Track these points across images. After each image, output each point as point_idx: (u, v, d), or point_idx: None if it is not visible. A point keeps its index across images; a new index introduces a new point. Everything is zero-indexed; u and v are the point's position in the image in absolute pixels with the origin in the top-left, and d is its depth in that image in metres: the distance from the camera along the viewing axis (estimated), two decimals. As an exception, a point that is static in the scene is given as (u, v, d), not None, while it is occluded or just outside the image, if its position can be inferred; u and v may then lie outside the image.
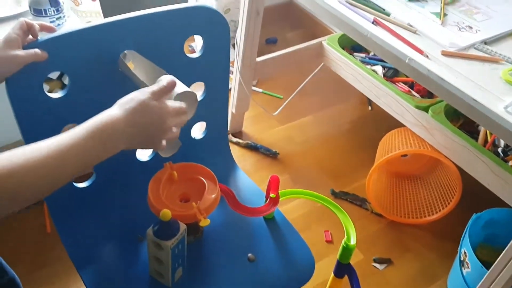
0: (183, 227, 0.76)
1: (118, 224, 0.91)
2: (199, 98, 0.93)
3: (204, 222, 0.79)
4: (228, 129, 1.82)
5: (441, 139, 1.43)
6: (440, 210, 1.54)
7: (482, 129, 1.46)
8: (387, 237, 1.54)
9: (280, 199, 0.96)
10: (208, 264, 0.89)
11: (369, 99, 2.09)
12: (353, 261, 1.44)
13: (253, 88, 2.07)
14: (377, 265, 1.46)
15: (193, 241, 0.91)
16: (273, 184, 0.93)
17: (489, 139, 1.43)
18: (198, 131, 1.03)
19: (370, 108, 2.06)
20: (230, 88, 1.73)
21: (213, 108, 1.00)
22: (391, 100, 1.54)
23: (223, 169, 1.05)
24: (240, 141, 1.79)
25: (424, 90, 1.60)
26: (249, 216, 0.90)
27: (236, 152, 1.79)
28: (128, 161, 0.93)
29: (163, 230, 0.74)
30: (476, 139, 1.46)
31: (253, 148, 1.78)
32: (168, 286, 0.82)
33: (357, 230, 1.55)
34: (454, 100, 0.95)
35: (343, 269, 0.93)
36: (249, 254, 0.91)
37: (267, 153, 1.77)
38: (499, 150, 1.38)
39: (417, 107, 1.46)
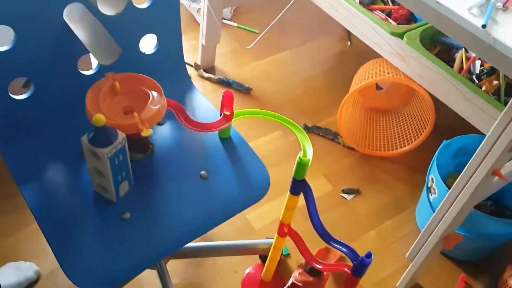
0: (121, 135, 0.72)
1: (60, 140, 0.87)
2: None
3: (146, 132, 0.75)
4: (200, 63, 1.76)
5: (416, 67, 1.38)
6: (412, 142, 1.51)
7: (458, 56, 1.41)
8: (358, 169, 1.52)
9: (234, 118, 0.92)
10: (158, 181, 0.86)
11: (349, 34, 2.02)
12: (321, 191, 1.46)
13: (228, 22, 1.99)
14: (345, 195, 1.44)
15: (143, 158, 0.87)
16: (227, 101, 0.88)
17: (465, 66, 1.38)
18: (148, 45, 0.97)
19: (349, 43, 1.98)
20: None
21: (162, 18, 0.93)
22: (368, 28, 1.47)
23: (179, 88, 1.00)
24: (212, 76, 1.73)
25: (401, 18, 1.53)
26: (200, 132, 0.86)
27: (208, 87, 1.73)
28: (70, 74, 0.87)
29: (98, 137, 0.69)
30: (452, 67, 1.41)
31: (225, 83, 1.72)
32: (113, 201, 0.79)
33: (329, 164, 1.55)
34: (419, 7, 0.89)
35: (298, 186, 0.90)
36: (202, 172, 0.88)
37: (240, 89, 1.71)
38: (474, 76, 1.34)
39: (392, 34, 1.40)
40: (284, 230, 1.02)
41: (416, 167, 1.53)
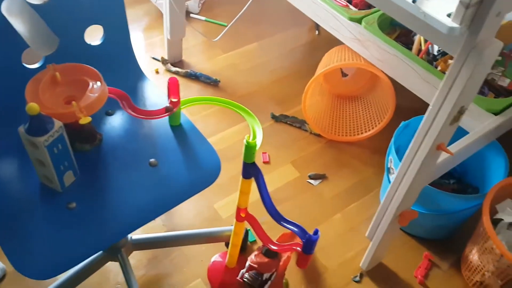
0: (58, 124, 0.73)
1: (4, 132, 0.87)
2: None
3: (84, 120, 0.76)
4: (167, 57, 1.76)
5: (375, 51, 1.40)
6: (376, 126, 1.53)
7: (416, 39, 1.43)
8: (324, 155, 1.54)
9: (183, 106, 0.93)
10: (106, 170, 0.87)
11: (316, 24, 2.04)
12: (288, 178, 1.48)
13: (196, 16, 1.99)
14: (311, 181, 1.46)
15: (90, 149, 0.88)
16: (172, 88, 0.89)
17: (423, 48, 1.40)
18: (94, 36, 0.98)
19: (317, 32, 2.00)
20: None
21: (107, 10, 0.94)
22: (328, 16, 1.48)
23: (129, 78, 1.01)
24: (180, 70, 1.73)
25: (362, 4, 1.54)
26: (145, 119, 0.87)
27: (176, 81, 1.73)
28: (13, 68, 0.88)
29: (34, 126, 0.70)
30: (412, 50, 1.43)
31: (193, 76, 1.73)
32: (58, 191, 0.80)
33: (296, 151, 1.57)
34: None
35: (248, 169, 0.92)
36: (151, 159, 0.89)
37: (208, 81, 1.72)
38: (431, 57, 1.35)
39: (351, 19, 1.41)
40: (241, 215, 1.04)
41: (381, 149, 1.54)
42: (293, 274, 1.24)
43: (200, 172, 0.91)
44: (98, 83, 0.82)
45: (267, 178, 1.49)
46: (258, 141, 0.92)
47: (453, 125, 0.89)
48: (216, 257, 1.25)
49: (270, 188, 1.45)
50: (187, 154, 0.92)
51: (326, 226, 1.36)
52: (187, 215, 1.35)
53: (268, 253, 1.00)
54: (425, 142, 0.91)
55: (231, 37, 1.91)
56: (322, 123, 1.60)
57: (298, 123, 1.62)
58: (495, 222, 1.16)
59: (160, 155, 0.90)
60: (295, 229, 0.90)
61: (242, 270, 1.01)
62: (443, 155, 1.07)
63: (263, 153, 1.53)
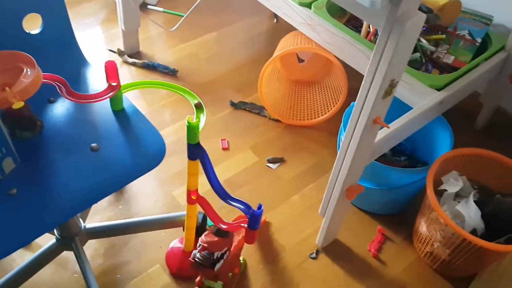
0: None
1: None
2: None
3: (17, 105, 0.76)
4: (123, 49, 1.76)
5: (325, 35, 1.43)
6: (331, 109, 1.56)
7: (364, 23, 1.46)
8: (283, 140, 1.57)
9: (124, 89, 0.94)
10: (47, 157, 0.87)
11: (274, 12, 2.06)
12: (247, 163, 1.50)
13: (153, 7, 1.99)
14: (270, 165, 1.48)
15: (31, 136, 0.88)
16: (110, 71, 0.90)
17: (371, 30, 1.43)
18: (34, 24, 0.98)
19: (275, 21, 2.02)
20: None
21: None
22: (280, 2, 1.50)
23: (71, 65, 1.01)
24: (137, 61, 1.73)
25: (313, -11, 1.57)
26: (83, 103, 0.88)
27: (133, 72, 1.73)
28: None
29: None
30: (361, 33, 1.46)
31: (150, 67, 1.73)
32: (-2, 178, 0.81)
33: (255, 137, 1.59)
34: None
35: (193, 150, 0.93)
36: (93, 144, 0.90)
37: (166, 71, 1.73)
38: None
39: (301, 4, 1.44)
40: (192, 197, 1.05)
41: (336, 131, 1.56)
42: (251, 255, 1.27)
43: (143, 155, 0.91)
44: (31, 68, 0.82)
45: (226, 164, 1.52)
46: (201, 122, 0.93)
47: (386, 99, 0.92)
48: (174, 243, 1.26)
49: (229, 173, 1.47)
50: (130, 137, 0.93)
51: (284, 207, 1.38)
52: (145, 204, 1.36)
53: (219, 232, 1.01)
54: (362, 116, 0.94)
55: (190, 27, 1.92)
56: (281, 108, 1.62)
57: (257, 109, 1.64)
58: (442, 194, 1.20)
59: (102, 140, 0.91)
60: (240, 206, 0.92)
61: (194, 251, 1.03)
62: (386, 131, 1.10)
63: (222, 139, 1.54)
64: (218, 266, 1.01)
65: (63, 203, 0.82)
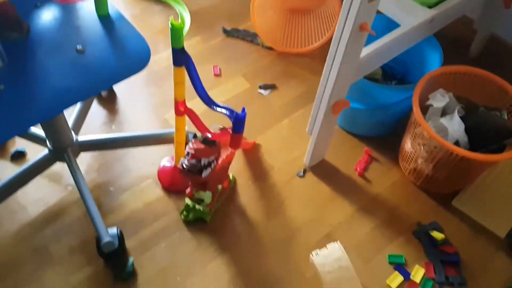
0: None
1: None
2: None
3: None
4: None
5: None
6: (325, 36, 1.55)
7: None
8: (275, 67, 1.57)
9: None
10: (33, 57, 0.89)
11: None
12: (239, 89, 1.51)
13: None
14: (262, 91, 1.49)
15: (18, 37, 0.89)
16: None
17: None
18: None
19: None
20: None
21: None
22: None
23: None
24: (130, -12, 1.71)
25: None
26: (65, 3, 0.88)
27: None
28: None
29: None
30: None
31: (144, -5, 1.72)
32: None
33: (247, 64, 1.59)
34: None
35: (178, 55, 0.94)
36: (78, 46, 0.91)
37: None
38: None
39: None
40: (180, 108, 1.07)
41: (330, 59, 1.58)
42: (241, 172, 1.30)
43: (128, 59, 0.92)
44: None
45: (218, 90, 1.53)
46: (186, 25, 0.93)
47: (371, 3, 0.91)
48: (166, 159, 1.30)
49: (220, 99, 1.48)
50: (115, 41, 0.94)
51: (274, 131, 1.40)
52: (138, 125, 1.38)
53: (205, 141, 1.04)
54: (348, 22, 0.94)
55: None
56: (274, 36, 1.61)
57: (250, 37, 1.63)
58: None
59: (87, 43, 0.92)
60: (225, 111, 0.94)
61: (181, 159, 1.06)
62: (373, 46, 1.10)
63: (214, 66, 1.55)
64: (205, 173, 1.04)
65: (49, 99, 0.84)
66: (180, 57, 0.95)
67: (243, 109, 0.92)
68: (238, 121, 0.92)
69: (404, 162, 1.27)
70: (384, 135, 1.38)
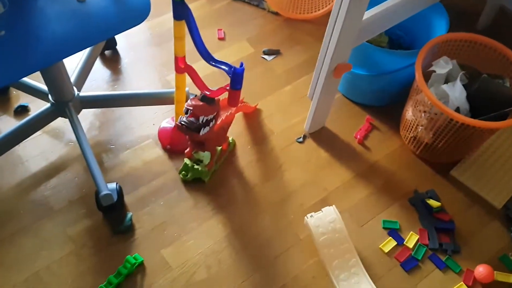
0: None
1: None
2: None
3: None
4: None
5: None
6: (332, 2, 1.53)
7: None
8: (280, 33, 1.55)
9: None
10: (34, 7, 0.89)
11: None
12: (243, 54, 1.50)
13: None
14: (265, 56, 1.49)
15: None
16: None
17: None
18: None
19: None
20: None
21: None
22: None
23: None
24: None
25: None
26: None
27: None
28: None
29: None
30: None
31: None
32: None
33: (252, 29, 1.58)
34: None
35: (178, 8, 0.93)
36: (79, -4, 0.91)
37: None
38: None
39: None
40: (180, 65, 1.07)
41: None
42: (241, 136, 1.31)
43: (128, 11, 0.92)
44: None
45: (221, 54, 1.52)
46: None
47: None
48: (166, 120, 1.31)
49: (223, 62, 1.48)
50: (115, -7, 0.94)
51: (275, 97, 1.40)
52: (140, 85, 1.39)
53: (204, 98, 1.04)
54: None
55: None
56: (280, 1, 1.59)
57: (256, 1, 1.61)
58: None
59: (89, -7, 0.92)
60: (223, 67, 0.94)
61: (180, 116, 1.07)
62: (376, 9, 1.08)
63: (218, 29, 1.54)
64: (203, 131, 1.05)
65: (49, 46, 0.85)
66: (180, 10, 0.94)
67: (241, 64, 0.91)
68: (236, 75, 0.92)
69: (405, 131, 1.27)
70: (386, 104, 1.37)
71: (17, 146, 1.21)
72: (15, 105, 1.30)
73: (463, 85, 1.13)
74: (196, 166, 1.19)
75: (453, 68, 1.14)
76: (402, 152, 1.30)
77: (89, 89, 1.35)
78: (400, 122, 1.33)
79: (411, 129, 1.22)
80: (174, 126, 1.27)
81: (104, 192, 1.05)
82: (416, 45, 1.40)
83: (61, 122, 1.27)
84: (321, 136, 1.32)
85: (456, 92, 1.08)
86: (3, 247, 1.07)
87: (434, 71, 1.14)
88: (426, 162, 1.28)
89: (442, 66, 1.13)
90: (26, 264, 1.05)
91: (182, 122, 1.04)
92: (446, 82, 1.17)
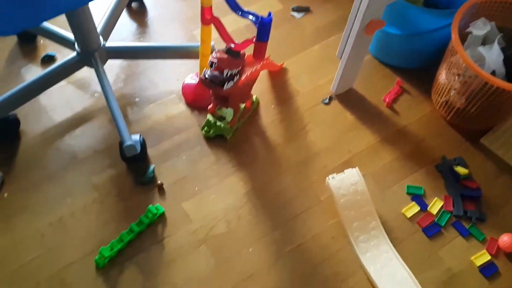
0: None
1: None
2: None
3: None
4: None
5: None
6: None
7: None
8: (310, -10, 1.50)
9: None
10: None
11: None
12: (270, 10, 1.44)
13: None
14: (294, 13, 1.44)
15: None
16: None
17: None
18: None
19: None
20: None
21: None
22: None
23: None
24: None
25: None
26: None
27: None
28: None
29: None
30: None
31: None
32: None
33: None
34: None
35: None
36: None
37: None
38: None
39: None
40: (207, 16, 1.04)
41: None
42: (265, 95, 1.29)
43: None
44: None
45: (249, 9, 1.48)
46: None
47: None
48: (191, 76, 1.29)
49: (251, 20, 1.44)
50: None
51: (303, 56, 1.36)
52: (166, 39, 1.37)
53: (229, 51, 1.02)
54: None
55: None
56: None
57: (286, -43, 1.55)
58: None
59: None
60: (250, 17, 0.91)
61: (204, 69, 1.05)
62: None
63: (247, -15, 1.50)
64: (227, 85, 1.03)
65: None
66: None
67: (269, 13, 0.88)
68: (263, 26, 0.89)
69: (436, 95, 1.22)
70: (418, 67, 1.32)
71: (42, 95, 1.22)
72: (42, 54, 1.31)
73: (501, 48, 1.07)
74: (218, 123, 1.18)
75: (491, 30, 1.08)
76: (432, 118, 1.25)
77: (115, 40, 1.34)
78: (432, 86, 1.28)
79: (443, 93, 1.17)
80: (198, 81, 1.26)
81: (128, 142, 1.06)
82: (453, 4, 1.32)
83: (86, 73, 1.27)
84: (348, 98, 1.29)
85: (493, 54, 1.03)
86: (28, 192, 1.09)
87: (471, 33, 1.08)
88: (456, 129, 1.23)
89: (480, 28, 1.07)
90: (50, 210, 1.07)
91: (206, 76, 1.02)
92: (482, 43, 1.11)
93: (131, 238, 1.02)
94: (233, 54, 1.02)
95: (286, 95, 1.29)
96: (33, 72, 1.29)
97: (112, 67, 1.30)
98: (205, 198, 1.11)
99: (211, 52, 1.15)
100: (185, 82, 1.28)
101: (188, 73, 1.30)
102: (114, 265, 1.00)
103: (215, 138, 1.20)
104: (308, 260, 1.03)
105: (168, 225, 1.07)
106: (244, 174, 1.16)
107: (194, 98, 1.25)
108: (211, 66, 1.04)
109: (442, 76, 1.16)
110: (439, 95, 1.20)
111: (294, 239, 1.06)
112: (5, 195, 1.08)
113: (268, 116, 1.25)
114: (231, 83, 1.05)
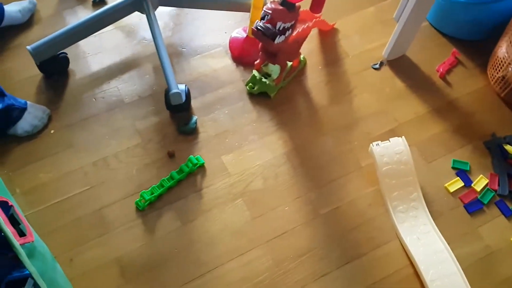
0: None
1: None
2: None
3: None
4: None
5: None
6: None
7: None
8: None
9: None
10: None
11: None
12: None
13: None
14: (350, -27, 1.38)
15: None
16: None
17: None
18: None
19: None
20: None
21: None
22: None
23: None
24: None
25: None
26: None
27: None
28: None
29: None
30: None
31: None
32: None
33: None
34: None
35: None
36: None
37: None
38: None
39: None
40: (262, -32, 1.01)
41: None
42: (313, 55, 1.26)
43: None
44: None
45: None
46: None
47: None
48: (238, 31, 1.27)
49: None
50: None
51: (356, 17, 1.31)
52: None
53: (284, 3, 0.99)
54: None
55: None
56: None
57: None
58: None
59: None
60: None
61: (257, 21, 1.03)
62: None
63: None
64: (278, 39, 1.01)
65: None
66: None
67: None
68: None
69: (493, 70, 1.16)
70: (477, 39, 1.25)
71: (92, 37, 1.23)
72: (93, -3, 1.32)
73: None
74: (264, 80, 1.17)
75: None
76: (486, 93, 1.20)
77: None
78: (489, 59, 1.21)
79: (501, 68, 1.11)
80: (246, 36, 1.23)
81: (174, 90, 1.06)
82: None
83: (136, 19, 1.27)
84: (400, 64, 1.24)
85: None
86: (74, 131, 1.12)
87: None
88: (510, 106, 1.17)
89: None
90: (95, 149, 1.10)
91: (259, 27, 1.00)
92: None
93: (171, 184, 1.04)
94: (288, 6, 0.99)
95: (334, 56, 1.25)
96: (85, 13, 1.29)
97: (162, 15, 1.29)
98: (244, 153, 1.11)
99: (263, 6, 1.12)
100: (233, 36, 1.26)
101: (236, 26, 1.28)
102: (153, 209, 1.03)
103: (258, 95, 1.19)
104: (343, 224, 1.03)
105: (207, 176, 1.08)
106: (285, 133, 1.14)
107: (241, 53, 1.24)
108: (263, 18, 1.01)
109: (502, 49, 1.09)
110: (496, 69, 1.14)
111: (330, 202, 1.06)
112: (52, 131, 1.12)
113: (314, 77, 1.22)
114: (282, 38, 1.02)
